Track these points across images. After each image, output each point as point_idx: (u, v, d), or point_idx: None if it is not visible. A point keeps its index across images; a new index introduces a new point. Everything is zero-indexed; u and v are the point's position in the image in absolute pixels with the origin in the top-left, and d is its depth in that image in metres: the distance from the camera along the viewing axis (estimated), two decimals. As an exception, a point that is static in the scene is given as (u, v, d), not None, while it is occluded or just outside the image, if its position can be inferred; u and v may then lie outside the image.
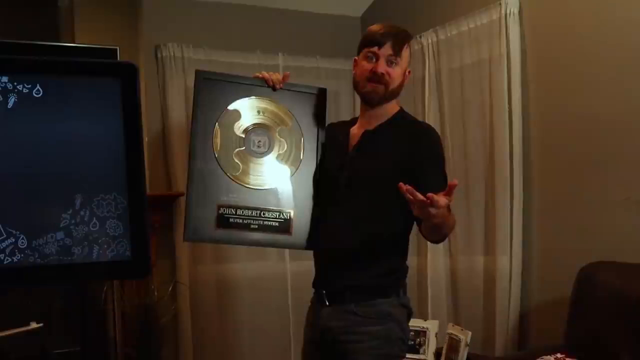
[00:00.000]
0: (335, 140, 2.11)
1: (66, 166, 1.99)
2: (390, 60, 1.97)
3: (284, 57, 3.94)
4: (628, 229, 2.58)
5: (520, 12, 3.04)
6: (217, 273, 3.68)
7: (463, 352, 2.96)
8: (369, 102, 2.02)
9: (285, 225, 2.06)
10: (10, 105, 1.93)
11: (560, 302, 2.70)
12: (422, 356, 3.15)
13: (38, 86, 1.96)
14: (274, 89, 2.10)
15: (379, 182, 1.92)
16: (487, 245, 3.22)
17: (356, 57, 2.05)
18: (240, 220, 2.02)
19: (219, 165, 2.04)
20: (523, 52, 3.04)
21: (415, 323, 3.15)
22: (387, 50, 1.96)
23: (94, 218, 2.01)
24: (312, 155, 2.13)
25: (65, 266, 1.99)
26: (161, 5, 3.68)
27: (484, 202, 3.24)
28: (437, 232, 1.82)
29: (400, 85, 2.02)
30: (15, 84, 1.93)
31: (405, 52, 2.00)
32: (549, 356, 2.49)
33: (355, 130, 2.07)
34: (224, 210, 2.01)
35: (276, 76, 2.11)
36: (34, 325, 2.61)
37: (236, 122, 2.08)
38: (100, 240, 2.02)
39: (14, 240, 1.92)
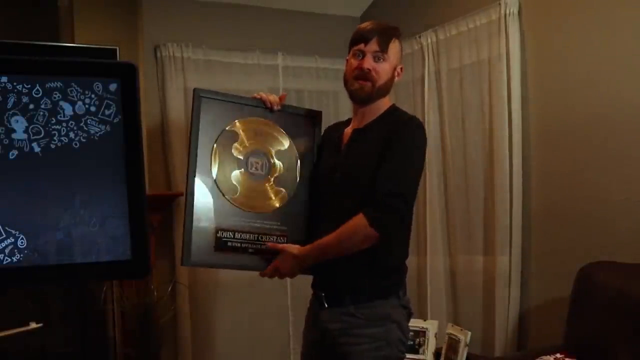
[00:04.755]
0: (331, 142, 2.12)
1: (66, 166, 1.99)
2: (377, 56, 1.95)
3: (284, 57, 3.94)
4: (628, 229, 2.58)
5: (519, 12, 3.04)
6: (217, 273, 3.67)
7: (462, 352, 2.96)
8: (356, 100, 2.02)
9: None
10: (9, 105, 1.92)
11: (559, 302, 2.70)
12: (421, 356, 3.16)
13: (37, 86, 1.96)
14: (271, 110, 2.09)
15: (369, 180, 1.91)
16: (487, 245, 3.22)
17: (347, 57, 2.04)
18: (239, 244, 1.99)
19: (218, 187, 2.01)
20: (522, 52, 3.04)
21: (414, 323, 3.15)
22: (373, 46, 1.94)
23: (94, 218, 2.01)
24: (307, 178, 2.11)
25: (65, 266, 1.99)
26: (161, 5, 3.68)
27: (483, 202, 3.24)
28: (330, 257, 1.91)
29: (389, 82, 2.00)
30: (14, 84, 1.93)
31: (393, 48, 1.98)
32: (548, 356, 2.49)
33: (349, 130, 2.07)
34: (222, 234, 1.98)
35: (273, 97, 2.11)
36: (33, 325, 2.61)
37: (234, 143, 2.05)
38: (100, 240, 2.01)
39: (13, 240, 1.92)
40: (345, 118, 2.23)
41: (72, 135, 1.99)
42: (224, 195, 2.00)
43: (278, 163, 2.09)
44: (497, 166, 3.10)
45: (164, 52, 3.61)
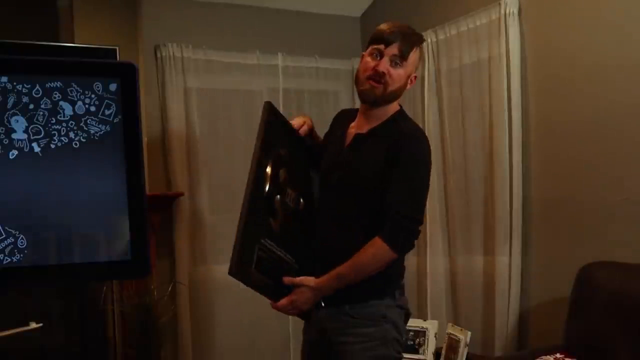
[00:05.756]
0: (335, 136, 2.11)
1: (66, 166, 1.99)
2: (394, 61, 1.91)
3: (284, 57, 3.94)
4: (627, 229, 2.58)
5: (519, 12, 3.04)
6: (217, 273, 3.68)
7: (462, 352, 2.96)
8: (365, 101, 1.98)
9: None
10: (9, 105, 1.93)
11: (559, 302, 2.70)
12: (421, 356, 3.16)
13: (37, 86, 1.96)
14: (299, 134, 2.08)
15: (365, 187, 1.91)
16: (487, 245, 3.22)
17: (363, 52, 1.99)
18: (268, 269, 1.91)
19: (267, 206, 1.92)
20: (522, 52, 3.04)
21: (414, 323, 3.16)
22: (393, 49, 1.90)
23: (94, 218, 2.01)
24: (310, 224, 2.09)
25: (65, 266, 1.99)
26: (161, 5, 3.68)
27: (483, 202, 3.24)
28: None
29: (402, 88, 1.96)
30: (14, 84, 1.93)
31: (413, 56, 1.94)
32: (548, 356, 2.49)
33: (353, 129, 2.05)
34: (263, 254, 1.88)
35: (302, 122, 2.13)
36: (33, 325, 2.61)
37: (281, 168, 1.97)
38: (100, 240, 2.02)
39: (13, 240, 1.93)
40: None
41: (72, 135, 2.00)
42: (269, 215, 1.93)
43: (302, 201, 2.05)
44: (497, 166, 3.10)
45: (164, 52, 3.61)
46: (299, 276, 1.95)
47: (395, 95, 1.96)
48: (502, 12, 3.05)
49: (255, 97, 3.88)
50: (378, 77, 1.91)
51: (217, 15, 3.82)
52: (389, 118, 1.99)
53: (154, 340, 3.47)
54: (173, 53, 3.62)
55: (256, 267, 1.86)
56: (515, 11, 3.03)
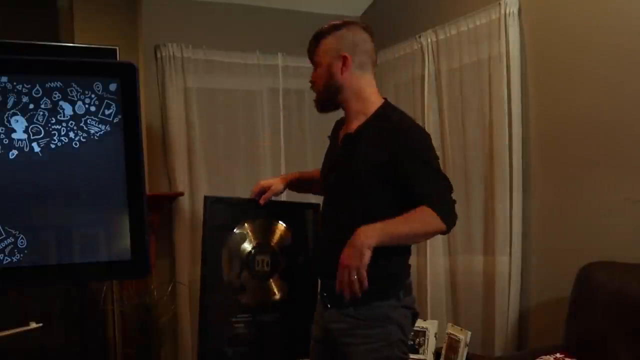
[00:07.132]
0: (334, 139, 2.14)
1: (66, 166, 1.99)
2: (314, 67, 2.06)
3: (284, 57, 3.94)
4: (627, 229, 2.58)
5: (519, 12, 3.04)
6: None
7: (462, 352, 2.96)
8: (320, 111, 2.08)
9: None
10: (9, 105, 1.93)
11: (559, 302, 2.70)
12: (421, 356, 3.16)
13: (37, 86, 1.96)
14: (258, 204, 2.13)
15: (362, 185, 1.91)
16: (487, 245, 3.22)
17: None
18: (247, 339, 2.06)
19: (231, 288, 2.06)
20: (522, 52, 3.04)
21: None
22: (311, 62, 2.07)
23: (94, 218, 2.01)
24: (306, 262, 2.18)
25: (65, 266, 1.99)
26: (161, 5, 3.68)
27: (483, 202, 3.24)
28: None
29: (332, 80, 1.98)
30: (14, 84, 1.93)
31: (319, 50, 2.04)
32: (548, 356, 2.49)
33: (342, 132, 2.07)
34: (234, 331, 2.04)
35: (262, 188, 2.17)
36: (33, 325, 2.61)
37: (242, 244, 2.10)
38: (100, 240, 2.02)
39: (13, 240, 1.92)
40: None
41: (72, 135, 1.99)
42: (234, 294, 2.07)
43: (283, 259, 2.14)
44: (497, 166, 3.10)
45: (164, 52, 3.62)
46: (288, 330, 2.11)
47: (333, 90, 2.00)
48: (502, 12, 3.05)
49: (255, 97, 3.88)
50: (312, 88, 2.07)
51: (217, 15, 3.82)
52: (374, 113, 1.97)
53: (154, 340, 3.47)
54: (173, 53, 3.62)
55: (231, 344, 2.03)
56: (515, 11, 3.03)
